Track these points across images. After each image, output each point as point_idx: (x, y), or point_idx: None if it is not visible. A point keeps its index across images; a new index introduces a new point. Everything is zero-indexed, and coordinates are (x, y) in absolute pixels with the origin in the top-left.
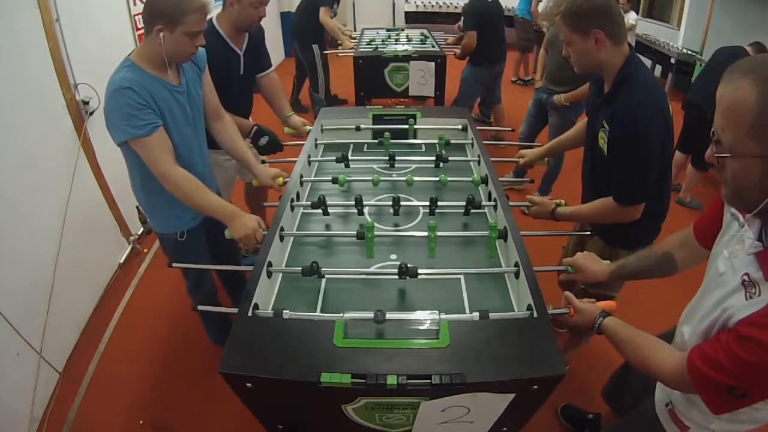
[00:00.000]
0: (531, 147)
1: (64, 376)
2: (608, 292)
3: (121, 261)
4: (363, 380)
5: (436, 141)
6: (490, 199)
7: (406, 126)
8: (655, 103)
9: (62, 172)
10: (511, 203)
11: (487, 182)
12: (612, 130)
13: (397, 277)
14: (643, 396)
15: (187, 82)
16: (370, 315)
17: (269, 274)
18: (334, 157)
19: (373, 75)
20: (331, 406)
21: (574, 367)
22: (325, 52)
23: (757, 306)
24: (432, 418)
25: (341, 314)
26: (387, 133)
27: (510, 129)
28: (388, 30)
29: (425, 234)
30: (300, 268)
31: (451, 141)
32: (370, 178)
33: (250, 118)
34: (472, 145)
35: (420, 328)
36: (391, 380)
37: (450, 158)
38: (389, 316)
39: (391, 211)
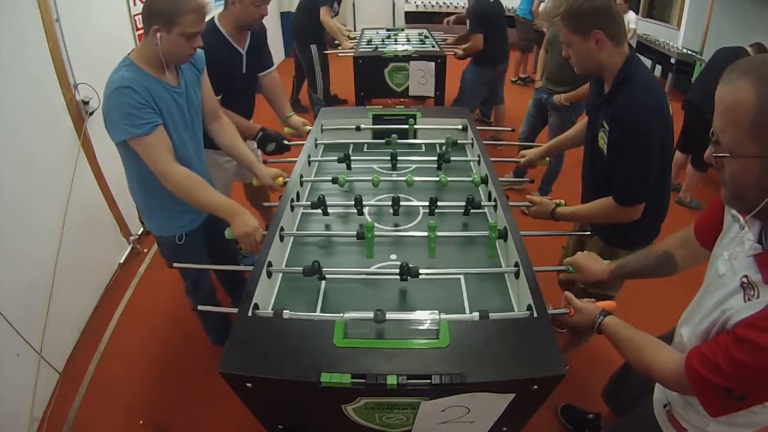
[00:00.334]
0: (531, 147)
1: (64, 376)
2: (608, 292)
3: (121, 261)
4: (363, 380)
5: (439, 141)
6: (490, 199)
7: (406, 126)
8: (655, 103)
9: (62, 172)
10: (511, 203)
11: (487, 182)
12: (612, 130)
13: (397, 277)
14: (642, 397)
15: (185, 84)
16: (370, 315)
17: (269, 274)
18: (336, 157)
19: (373, 75)
20: (331, 406)
21: (574, 367)
22: (324, 52)
23: (756, 308)
24: (432, 418)
25: (341, 314)
26: (394, 135)
27: (510, 129)
28: (388, 30)
29: (425, 234)
30: (301, 268)
31: (456, 141)
32: (370, 178)
33: (252, 119)
34: (472, 145)
35: (420, 328)
36: (391, 380)
37: (451, 158)
38: (389, 316)
39: (391, 211)
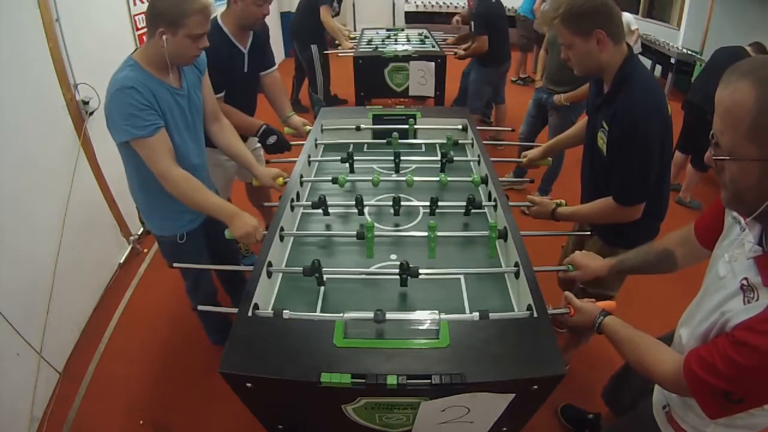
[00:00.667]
0: (531, 147)
1: (64, 376)
2: (607, 292)
3: (121, 261)
4: (363, 380)
5: (440, 141)
6: (490, 199)
7: (406, 126)
8: (655, 103)
9: (62, 172)
10: (511, 203)
11: (487, 182)
12: (612, 130)
13: (397, 277)
14: (642, 397)
15: (187, 85)
16: (370, 315)
17: (269, 274)
18: (338, 157)
19: (373, 75)
20: (331, 406)
21: (574, 367)
22: (325, 52)
23: (755, 311)
24: (432, 418)
25: (341, 314)
26: (395, 134)
27: (510, 129)
28: (388, 30)
29: (425, 234)
30: (301, 268)
31: (458, 141)
32: (370, 178)
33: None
34: (472, 145)
35: (420, 328)
36: (391, 380)
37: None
38: (389, 316)
39: (391, 211)
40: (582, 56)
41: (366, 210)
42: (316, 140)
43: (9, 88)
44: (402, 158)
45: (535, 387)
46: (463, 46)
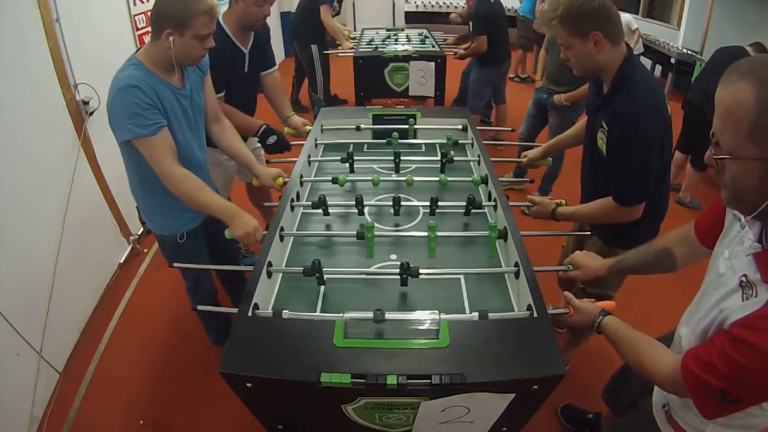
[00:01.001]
0: (531, 147)
1: (64, 376)
2: (607, 292)
3: (121, 261)
4: (363, 380)
5: (441, 141)
6: (490, 199)
7: (406, 126)
8: (655, 103)
9: (62, 172)
10: (511, 203)
11: (487, 182)
12: (612, 131)
13: (397, 277)
14: (642, 397)
15: (190, 86)
16: (370, 315)
17: (269, 274)
18: (338, 157)
19: (373, 75)
20: (331, 406)
21: (574, 367)
22: (325, 52)
23: (753, 308)
24: (432, 418)
25: (341, 314)
26: (395, 134)
27: (510, 129)
28: (388, 30)
29: (425, 234)
30: (301, 268)
31: (458, 141)
32: (370, 178)
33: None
34: (472, 145)
35: (420, 328)
36: (391, 380)
37: (454, 158)
38: (389, 316)
39: (392, 211)
40: (580, 57)
41: (366, 210)
42: (316, 140)
43: (9, 88)
44: (402, 158)
45: (535, 387)
46: (463, 45)
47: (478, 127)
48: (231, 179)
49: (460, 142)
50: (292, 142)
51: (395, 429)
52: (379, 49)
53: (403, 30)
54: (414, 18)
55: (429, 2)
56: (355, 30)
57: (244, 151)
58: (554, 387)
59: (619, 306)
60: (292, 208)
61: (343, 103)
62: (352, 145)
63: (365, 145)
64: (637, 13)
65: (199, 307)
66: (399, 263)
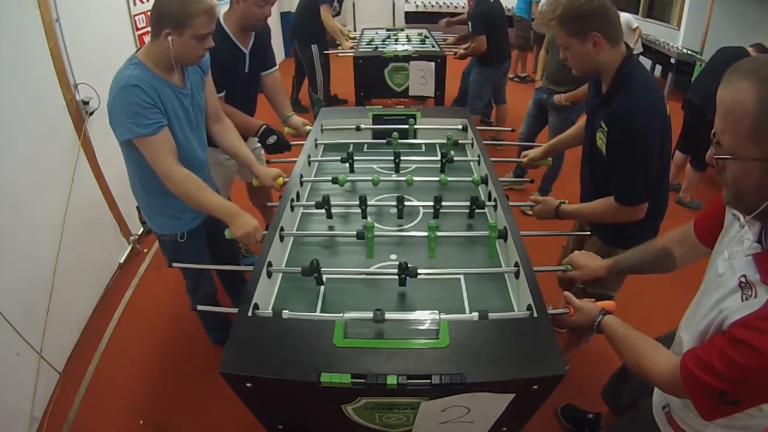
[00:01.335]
0: (531, 147)
1: (64, 376)
2: (607, 292)
3: (121, 261)
4: (363, 380)
5: (441, 141)
6: (490, 199)
7: (406, 126)
8: (654, 103)
9: (62, 172)
10: (511, 203)
11: (487, 182)
12: (611, 131)
13: (397, 277)
14: (642, 397)
15: (191, 85)
16: (370, 315)
17: (269, 274)
18: (338, 157)
19: (373, 75)
20: (331, 406)
21: (574, 367)
22: (325, 52)
23: (752, 308)
24: (432, 418)
25: (341, 314)
26: (395, 134)
27: (510, 129)
28: (388, 30)
29: (425, 234)
30: (300, 268)
31: (458, 141)
32: (370, 178)
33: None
34: (472, 145)
35: (420, 328)
36: (391, 380)
37: (454, 158)
38: (389, 316)
39: (393, 211)
40: (579, 57)
41: (366, 210)
42: (316, 140)
43: (9, 88)
44: (402, 158)
45: (535, 387)
46: (464, 45)
47: (478, 127)
48: (231, 179)
49: (460, 142)
50: (292, 142)
51: (395, 429)
52: (379, 49)
53: (403, 30)
54: (414, 18)
55: (429, 2)
56: (355, 30)
57: (245, 150)
58: (554, 387)
59: (619, 306)
60: (292, 208)
61: (343, 103)
62: (352, 145)
63: (365, 145)
64: (637, 13)
65: (199, 307)
66: (398, 263)
